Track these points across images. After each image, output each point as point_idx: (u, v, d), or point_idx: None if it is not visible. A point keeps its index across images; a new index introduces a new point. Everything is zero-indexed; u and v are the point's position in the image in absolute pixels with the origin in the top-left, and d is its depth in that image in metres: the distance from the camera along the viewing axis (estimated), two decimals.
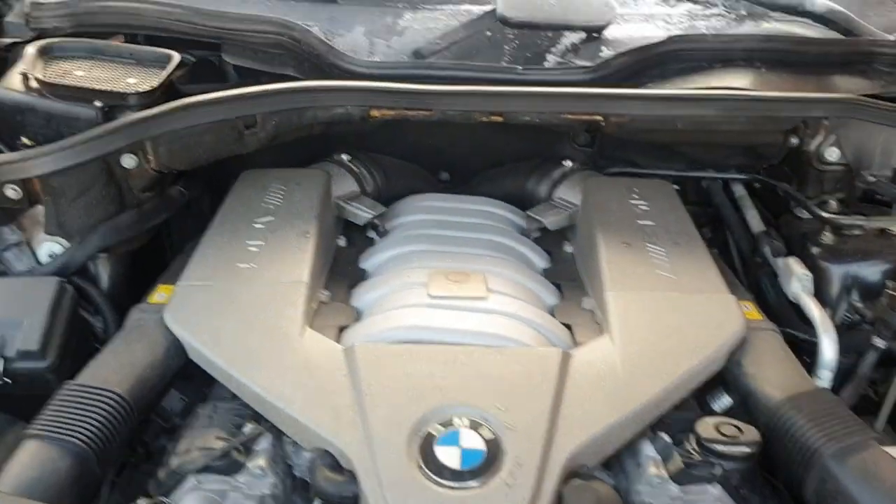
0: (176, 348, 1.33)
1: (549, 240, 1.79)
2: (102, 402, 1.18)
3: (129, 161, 1.56)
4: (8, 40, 1.99)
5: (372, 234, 1.79)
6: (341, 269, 1.65)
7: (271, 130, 1.67)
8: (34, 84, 1.74)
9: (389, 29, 1.91)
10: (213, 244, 1.53)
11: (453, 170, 2.09)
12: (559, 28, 1.89)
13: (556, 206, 1.81)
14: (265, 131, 1.66)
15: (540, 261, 1.70)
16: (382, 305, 1.45)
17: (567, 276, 1.65)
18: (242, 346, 1.29)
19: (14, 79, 1.79)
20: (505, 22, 1.86)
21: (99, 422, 1.15)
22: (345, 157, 1.92)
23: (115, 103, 1.66)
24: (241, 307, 1.37)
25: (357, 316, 1.46)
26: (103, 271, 1.60)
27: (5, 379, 1.31)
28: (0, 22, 2.02)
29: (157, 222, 1.68)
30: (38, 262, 1.57)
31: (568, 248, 1.75)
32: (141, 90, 1.67)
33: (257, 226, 1.58)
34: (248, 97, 1.62)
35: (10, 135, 1.75)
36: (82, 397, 1.19)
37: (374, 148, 1.99)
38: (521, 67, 1.79)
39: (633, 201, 1.72)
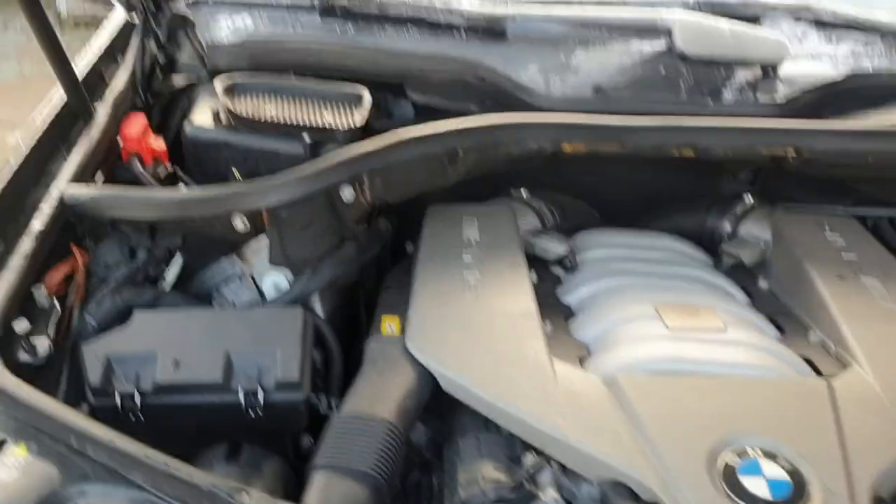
0: (425, 378, 1.32)
1: (735, 276, 1.77)
2: (381, 432, 1.17)
3: (348, 193, 1.56)
4: (182, 79, 2.00)
5: (557, 269, 1.78)
6: (540, 302, 1.63)
7: (469, 165, 1.67)
8: (225, 120, 1.75)
9: (563, 66, 1.91)
10: (428, 276, 1.53)
11: (602, 208, 2.08)
12: (736, 63, 1.89)
13: (749, 241, 1.79)
14: (464, 165, 1.66)
15: (740, 296, 1.68)
16: (617, 338, 1.43)
17: (766, 310, 1.63)
18: (497, 375, 1.28)
19: (203, 115, 1.80)
20: (684, 58, 1.87)
21: (383, 452, 1.14)
22: (524, 192, 1.91)
23: (322, 139, 1.66)
24: (482, 337, 1.36)
25: (586, 348, 1.45)
26: (319, 303, 1.59)
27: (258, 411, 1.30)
28: (173, 62, 2.03)
29: (373, 254, 1.67)
30: (262, 295, 1.56)
31: (763, 284, 1.72)
32: (348, 126, 1.67)
33: (465, 258, 1.57)
34: (461, 132, 1.61)
35: (201, 171, 1.75)
36: (361, 428, 1.17)
37: (533, 186, 1.99)
38: (711, 102, 1.79)
39: (829, 237, 1.71)
